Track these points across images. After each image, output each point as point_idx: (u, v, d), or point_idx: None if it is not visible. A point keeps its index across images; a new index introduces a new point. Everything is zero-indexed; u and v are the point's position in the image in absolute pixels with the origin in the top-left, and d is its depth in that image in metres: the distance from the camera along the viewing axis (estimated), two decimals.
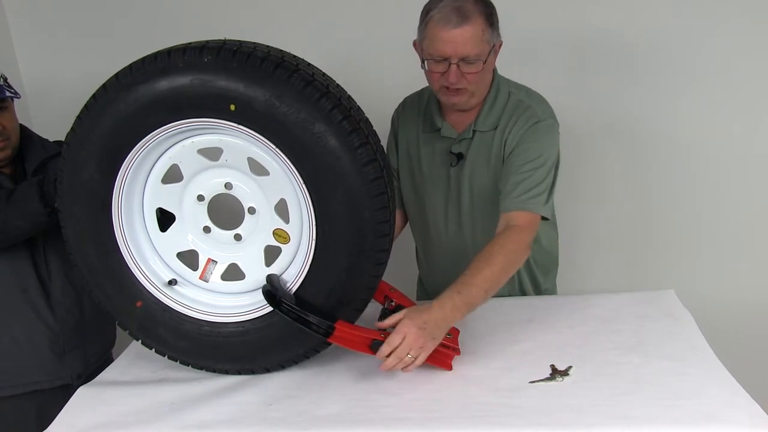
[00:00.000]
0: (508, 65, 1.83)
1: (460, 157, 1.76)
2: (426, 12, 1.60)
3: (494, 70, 1.73)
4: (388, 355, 1.37)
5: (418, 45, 1.67)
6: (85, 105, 1.35)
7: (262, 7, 2.43)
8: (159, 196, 1.46)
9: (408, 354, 1.36)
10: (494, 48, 1.63)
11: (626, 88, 2.36)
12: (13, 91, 1.78)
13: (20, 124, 1.86)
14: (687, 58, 2.31)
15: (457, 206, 1.80)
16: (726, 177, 2.40)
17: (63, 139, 1.88)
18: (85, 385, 1.50)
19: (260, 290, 1.42)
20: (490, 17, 1.59)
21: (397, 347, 1.36)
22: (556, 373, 1.37)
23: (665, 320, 1.58)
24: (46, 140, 1.93)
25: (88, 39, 2.51)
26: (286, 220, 1.41)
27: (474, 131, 1.74)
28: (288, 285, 1.41)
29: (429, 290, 1.97)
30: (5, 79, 1.77)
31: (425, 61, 1.62)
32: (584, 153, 2.43)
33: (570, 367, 1.39)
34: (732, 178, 2.40)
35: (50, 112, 2.42)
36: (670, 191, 2.45)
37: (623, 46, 2.33)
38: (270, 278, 1.42)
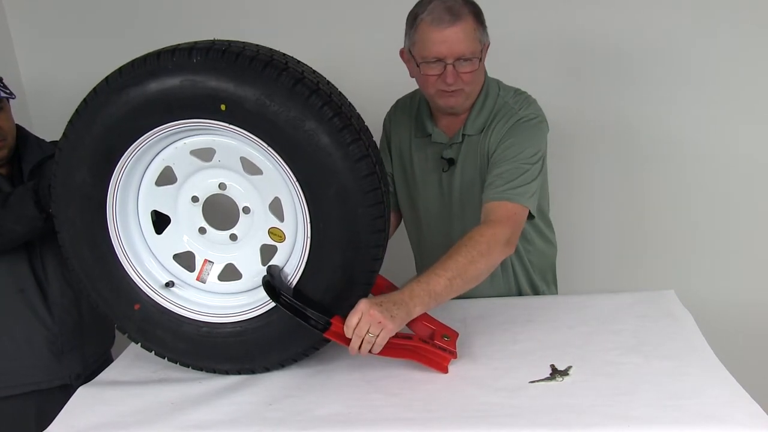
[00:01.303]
0: (504, 67, 1.83)
1: (451, 162, 1.76)
2: (414, 16, 1.59)
3: (484, 72, 1.73)
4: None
5: (406, 52, 1.65)
6: (77, 109, 1.35)
7: (260, 8, 2.43)
8: (153, 198, 1.45)
9: (368, 332, 1.33)
10: (485, 47, 1.63)
11: (626, 89, 2.37)
12: (8, 91, 1.77)
13: (17, 125, 1.86)
14: (683, 59, 2.31)
15: (448, 210, 1.80)
16: (726, 177, 2.40)
17: None
18: (84, 385, 1.50)
19: (257, 289, 1.42)
20: (479, 16, 1.59)
21: (355, 328, 1.33)
22: (556, 373, 1.37)
23: (665, 320, 1.58)
24: (43, 140, 1.93)
25: (88, 39, 2.51)
26: (281, 219, 1.41)
27: (463, 135, 1.73)
28: (286, 280, 1.41)
29: None
30: (0, 80, 1.77)
31: (419, 65, 1.61)
32: (584, 154, 2.43)
33: (570, 367, 1.39)
34: (732, 178, 2.40)
35: (50, 113, 2.41)
36: (670, 191, 2.45)
37: (619, 49, 2.33)
38: (271, 269, 1.42)
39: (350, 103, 1.36)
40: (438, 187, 1.80)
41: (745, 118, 2.34)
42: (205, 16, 2.44)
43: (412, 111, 1.83)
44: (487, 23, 1.64)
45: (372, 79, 2.27)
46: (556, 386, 1.34)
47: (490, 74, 1.76)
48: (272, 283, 1.37)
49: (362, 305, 1.34)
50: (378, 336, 1.33)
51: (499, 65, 1.80)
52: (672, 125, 2.38)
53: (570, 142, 2.36)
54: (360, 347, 1.34)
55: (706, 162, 2.40)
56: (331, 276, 1.37)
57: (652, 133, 2.40)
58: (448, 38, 1.55)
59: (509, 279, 1.85)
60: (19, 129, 1.88)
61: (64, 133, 1.37)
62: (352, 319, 1.33)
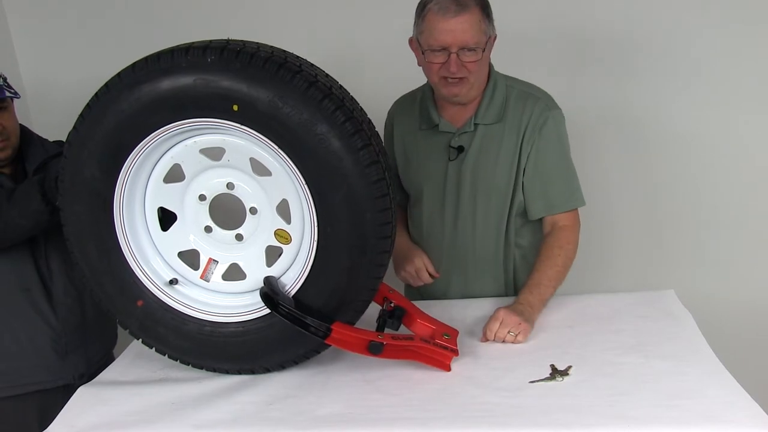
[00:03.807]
0: (506, 60, 1.84)
1: (460, 150, 1.77)
2: (423, 6, 1.63)
3: (490, 65, 1.76)
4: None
5: (414, 41, 1.69)
6: (88, 104, 1.35)
7: (261, 6, 2.42)
8: (160, 195, 1.45)
9: (509, 332, 1.52)
10: (490, 39, 1.66)
11: (624, 87, 2.36)
12: (12, 91, 1.77)
13: (20, 125, 1.86)
14: (689, 53, 2.31)
15: (455, 201, 1.81)
16: (726, 176, 2.40)
17: (63, 139, 1.89)
18: (85, 385, 1.50)
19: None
20: (486, 8, 1.63)
21: (496, 331, 1.52)
22: (556, 373, 1.38)
23: (665, 320, 1.58)
24: (46, 140, 1.93)
25: (89, 39, 2.51)
26: (288, 221, 1.41)
27: (476, 124, 1.75)
28: (289, 286, 1.41)
29: (425, 291, 1.92)
30: (5, 80, 1.77)
31: (424, 53, 1.65)
32: (583, 153, 2.42)
33: (570, 367, 1.39)
34: (732, 178, 2.40)
35: (50, 113, 2.42)
36: (670, 191, 2.45)
37: (624, 42, 2.32)
38: (267, 281, 1.42)
39: (361, 108, 1.36)
40: (442, 178, 1.80)
41: (745, 117, 2.34)
42: (205, 14, 2.44)
43: (414, 106, 1.85)
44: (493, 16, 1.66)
45: (375, 77, 2.27)
46: (556, 386, 1.34)
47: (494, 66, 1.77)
48: (270, 293, 1.38)
49: (502, 312, 1.55)
50: (518, 335, 1.52)
51: (503, 58, 1.81)
52: (672, 124, 2.37)
53: (570, 142, 2.36)
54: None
55: (706, 161, 2.39)
56: (337, 280, 1.37)
57: (653, 132, 2.39)
58: (454, 28, 1.58)
59: (509, 275, 1.87)
60: (22, 129, 1.87)
61: (74, 127, 1.37)
62: (494, 324, 1.53)
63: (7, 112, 1.77)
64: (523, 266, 1.85)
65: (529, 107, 1.73)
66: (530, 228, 1.82)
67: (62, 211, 1.44)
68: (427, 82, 1.78)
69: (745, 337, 2.46)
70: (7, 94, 1.74)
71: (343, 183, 1.29)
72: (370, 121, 1.37)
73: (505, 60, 1.82)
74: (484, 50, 1.63)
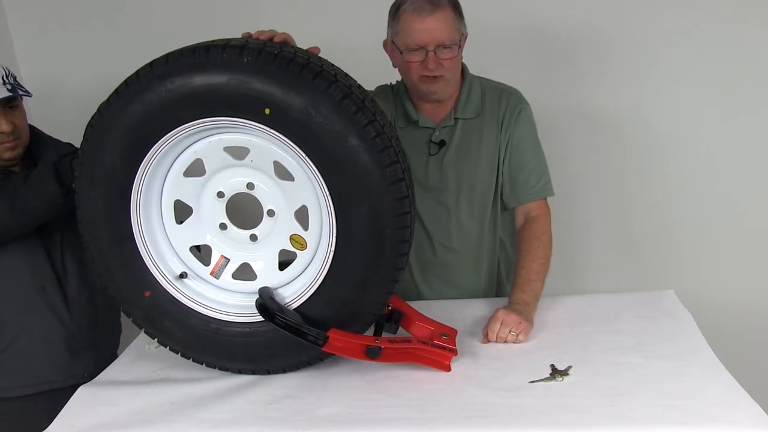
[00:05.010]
0: (481, 60, 1.86)
1: (441, 144, 1.79)
2: (396, 8, 1.68)
3: (464, 65, 1.80)
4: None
5: (389, 43, 1.72)
6: (116, 90, 1.33)
7: (262, 4, 2.42)
8: (179, 188, 1.44)
9: (510, 331, 1.51)
10: (463, 37, 1.71)
11: (621, 85, 2.36)
12: (24, 89, 1.77)
13: (29, 124, 1.86)
14: (675, 52, 2.30)
15: (438, 194, 1.82)
16: (726, 176, 2.40)
17: (65, 139, 1.88)
18: (85, 385, 1.50)
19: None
20: (457, 7, 1.69)
21: (498, 332, 1.52)
22: (556, 373, 1.38)
23: (665, 320, 1.58)
24: (58, 140, 1.92)
25: (88, 40, 2.51)
26: (305, 227, 1.40)
27: (456, 119, 1.79)
28: (299, 293, 1.41)
29: (415, 289, 1.91)
30: (15, 78, 1.77)
31: (402, 53, 1.68)
32: (583, 152, 2.42)
33: (570, 367, 1.39)
34: (732, 177, 2.40)
35: (50, 113, 2.41)
36: (670, 190, 2.44)
37: (605, 41, 2.31)
38: (263, 290, 1.41)
39: (391, 123, 1.36)
40: (424, 173, 1.81)
41: (745, 116, 2.33)
42: (207, 16, 2.43)
43: (389, 102, 1.86)
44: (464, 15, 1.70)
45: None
46: (556, 386, 1.34)
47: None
48: (266, 304, 1.37)
49: (501, 313, 1.55)
50: (519, 334, 1.51)
51: (478, 57, 1.84)
52: (671, 123, 2.37)
53: (566, 140, 2.36)
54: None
55: (706, 160, 2.39)
56: (349, 292, 1.36)
57: (652, 132, 2.38)
58: (429, 26, 1.62)
59: (494, 267, 1.89)
60: (32, 129, 1.87)
61: (98, 111, 1.35)
62: (494, 324, 1.53)
63: (19, 111, 1.77)
64: (503, 257, 1.89)
65: (504, 101, 1.79)
66: (506, 218, 1.86)
67: (78, 194, 1.42)
68: (400, 80, 1.81)
69: (745, 337, 2.46)
70: (20, 92, 1.74)
71: (367, 198, 1.28)
72: (397, 137, 1.37)
73: (479, 60, 1.85)
74: (459, 47, 1.68)
